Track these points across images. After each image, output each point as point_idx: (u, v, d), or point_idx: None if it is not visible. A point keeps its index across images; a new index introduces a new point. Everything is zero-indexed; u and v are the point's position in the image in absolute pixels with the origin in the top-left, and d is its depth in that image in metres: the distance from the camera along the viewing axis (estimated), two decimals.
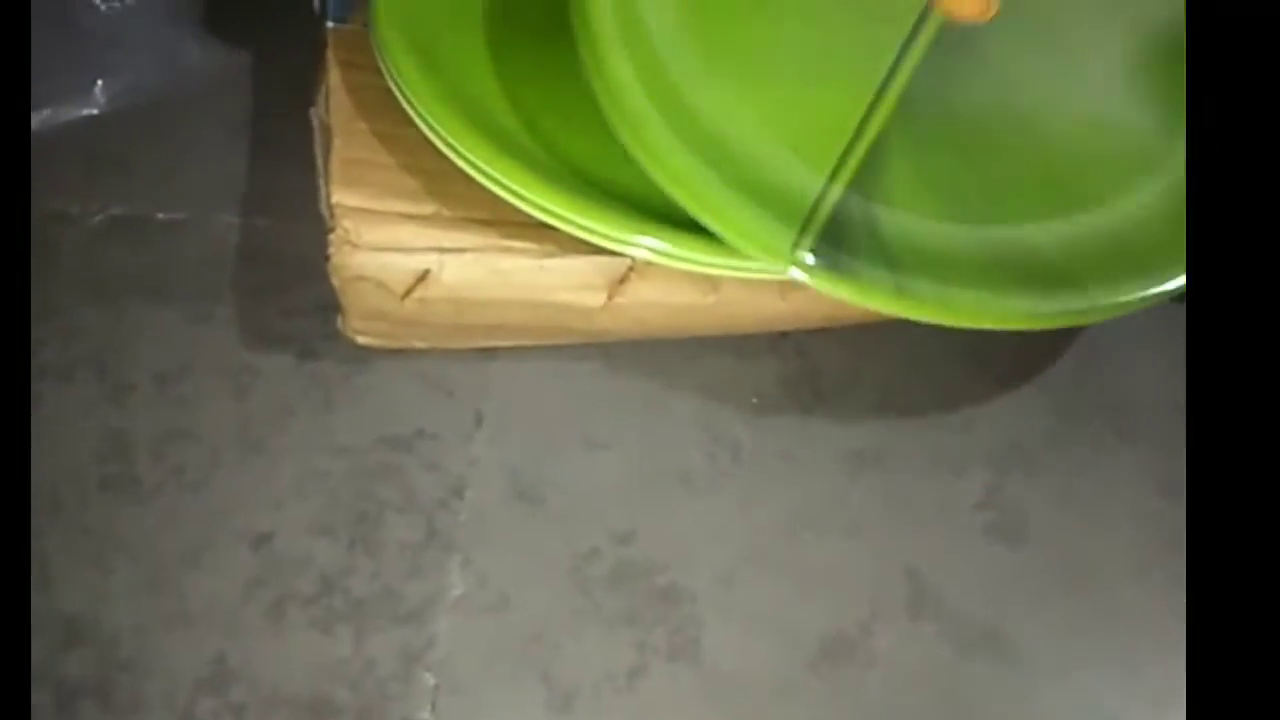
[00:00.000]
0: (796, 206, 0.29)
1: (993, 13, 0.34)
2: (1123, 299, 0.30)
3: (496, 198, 0.30)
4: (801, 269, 0.28)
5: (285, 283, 0.35)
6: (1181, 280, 0.30)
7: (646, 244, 0.29)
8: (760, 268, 0.28)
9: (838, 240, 0.28)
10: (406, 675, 0.27)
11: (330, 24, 0.35)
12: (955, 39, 0.33)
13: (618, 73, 0.30)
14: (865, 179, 0.30)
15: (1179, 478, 0.34)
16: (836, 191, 0.29)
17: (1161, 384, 0.35)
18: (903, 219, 0.30)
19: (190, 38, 0.40)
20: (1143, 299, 0.30)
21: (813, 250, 0.28)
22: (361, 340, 0.32)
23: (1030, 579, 0.31)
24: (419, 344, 0.32)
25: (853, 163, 0.30)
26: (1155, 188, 0.32)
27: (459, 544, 0.29)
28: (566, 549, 0.30)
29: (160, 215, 0.36)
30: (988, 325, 0.29)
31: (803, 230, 0.28)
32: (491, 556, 0.29)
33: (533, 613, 0.28)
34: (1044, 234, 0.31)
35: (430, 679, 0.27)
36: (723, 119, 0.30)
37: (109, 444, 0.31)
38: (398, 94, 0.31)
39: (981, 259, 0.30)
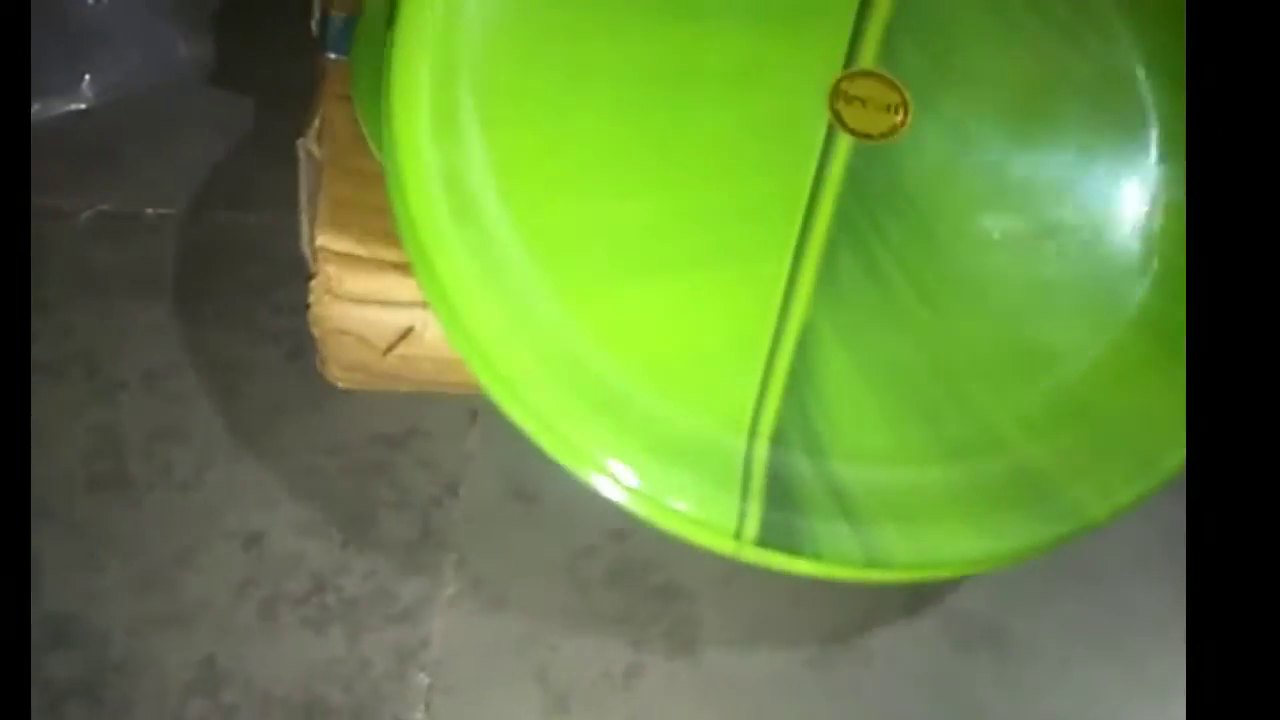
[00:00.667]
0: (728, 466, 0.24)
1: (901, 125, 0.28)
2: (1124, 496, 0.26)
3: None
4: (750, 551, 0.24)
5: (275, 279, 0.34)
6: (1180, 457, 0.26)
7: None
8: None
9: (785, 500, 0.24)
10: (401, 675, 0.27)
11: (330, 55, 0.34)
12: (870, 169, 0.27)
13: (486, 328, 0.24)
14: (799, 400, 0.25)
15: (1182, 472, 0.33)
16: (767, 431, 0.24)
17: None
18: (852, 446, 0.25)
19: (178, 33, 0.39)
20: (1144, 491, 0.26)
21: (760, 523, 0.23)
22: (342, 385, 0.31)
23: (1031, 575, 0.30)
24: (403, 389, 0.31)
25: (778, 383, 0.25)
26: (1121, 320, 0.27)
27: (453, 542, 0.29)
28: (562, 547, 0.29)
29: (150, 211, 0.36)
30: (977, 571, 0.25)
31: (744, 494, 0.23)
32: (486, 555, 0.29)
33: (528, 612, 0.28)
34: (1017, 424, 0.26)
35: (424, 679, 0.27)
36: (613, 360, 0.24)
37: (99, 442, 0.30)
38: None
39: (954, 482, 0.25)
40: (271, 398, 0.32)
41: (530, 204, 0.25)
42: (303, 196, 0.31)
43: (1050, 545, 0.25)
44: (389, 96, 0.25)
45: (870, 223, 0.27)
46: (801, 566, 0.24)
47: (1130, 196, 0.28)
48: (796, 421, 0.25)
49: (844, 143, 0.27)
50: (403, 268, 0.29)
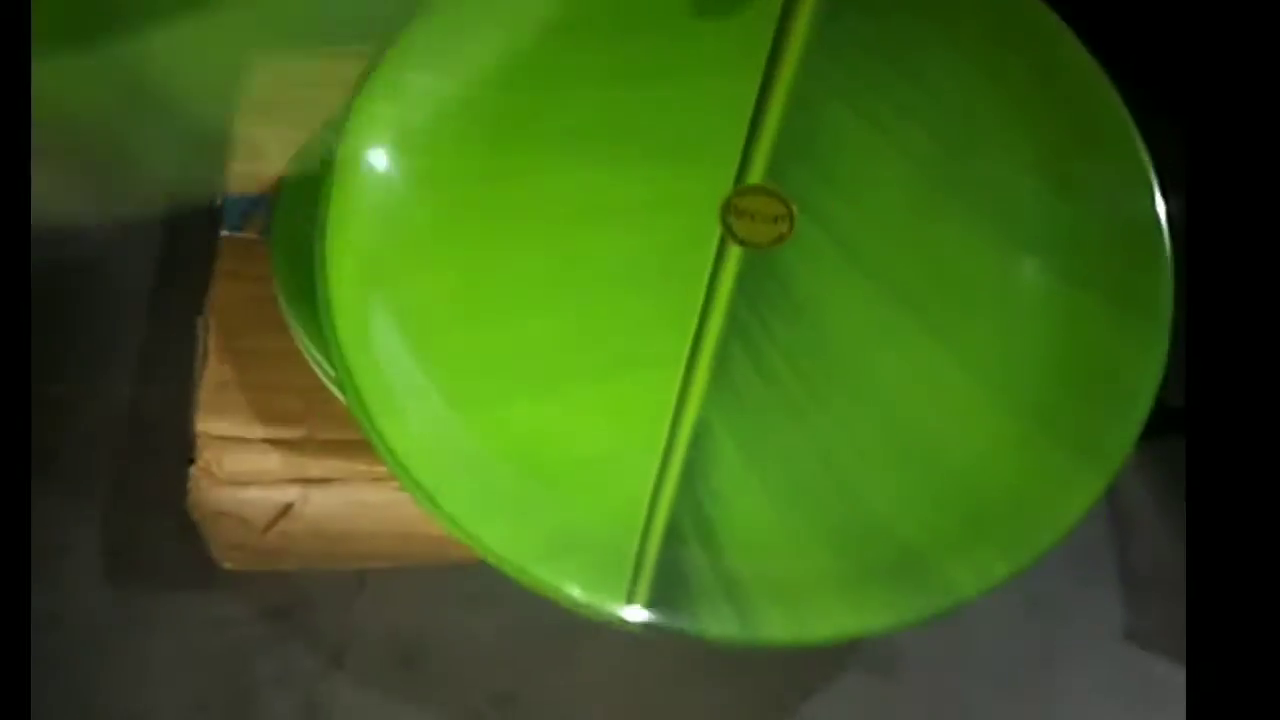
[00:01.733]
0: (620, 558, 0.25)
1: (788, 234, 0.30)
2: (997, 573, 0.27)
3: None
4: (634, 622, 0.25)
5: (169, 449, 0.35)
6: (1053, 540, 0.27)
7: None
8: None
9: (672, 580, 0.25)
10: None
11: (223, 233, 0.35)
12: (759, 275, 0.29)
13: (403, 444, 0.26)
14: (693, 494, 0.26)
15: (1044, 596, 0.35)
16: (661, 525, 0.26)
17: None
18: (743, 536, 0.26)
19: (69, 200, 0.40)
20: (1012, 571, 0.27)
21: (648, 601, 0.25)
22: (228, 565, 0.31)
23: (904, 707, 0.32)
24: (288, 567, 0.32)
25: (672, 479, 0.27)
26: (1003, 407, 0.29)
27: (336, 717, 0.29)
28: (449, 715, 0.30)
29: (50, 389, 0.36)
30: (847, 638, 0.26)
31: (635, 577, 0.25)
32: None
33: None
34: (899, 510, 0.27)
35: None
36: (514, 468, 0.26)
37: None
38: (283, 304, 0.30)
39: (837, 566, 0.26)
40: (158, 573, 0.32)
41: (440, 335, 0.28)
42: (197, 374, 0.33)
43: (922, 621, 0.27)
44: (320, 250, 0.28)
45: (760, 325, 0.29)
46: (680, 632, 0.25)
47: (1010, 296, 0.30)
48: (690, 514, 0.26)
49: (734, 253, 0.29)
50: (284, 445, 0.30)
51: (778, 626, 0.25)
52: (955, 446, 0.28)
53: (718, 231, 0.30)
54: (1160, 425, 0.40)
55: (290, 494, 0.29)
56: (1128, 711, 0.33)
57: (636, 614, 0.25)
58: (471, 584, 0.33)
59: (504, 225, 0.29)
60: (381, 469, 0.30)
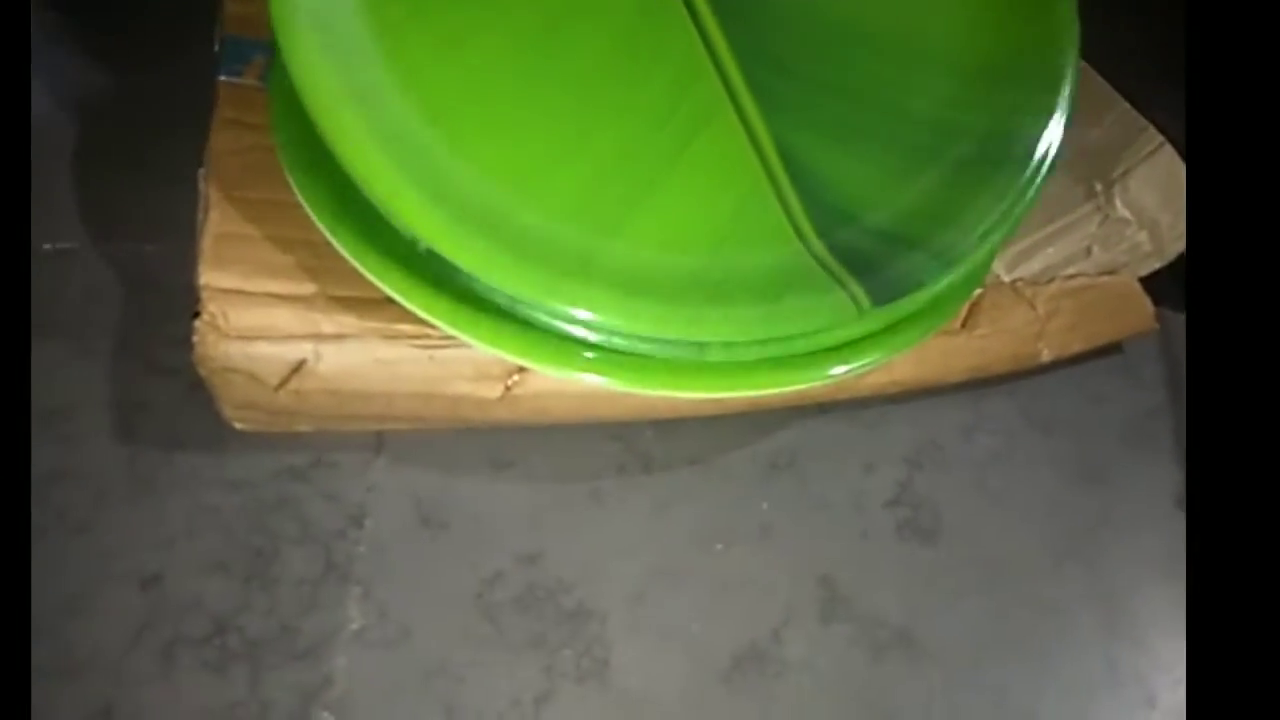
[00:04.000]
0: (815, 276, 0.27)
1: None
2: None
3: None
4: (874, 316, 0.27)
5: (174, 311, 0.33)
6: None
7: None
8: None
9: (867, 266, 0.27)
10: (304, 715, 0.26)
11: (221, 77, 0.33)
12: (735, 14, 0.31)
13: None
14: (811, 194, 0.28)
15: (1092, 465, 0.34)
16: (810, 230, 0.28)
17: (1074, 373, 0.35)
18: (868, 199, 0.29)
19: (73, 61, 0.38)
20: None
21: (867, 292, 0.27)
22: (239, 426, 0.30)
23: (943, 576, 0.31)
24: (303, 428, 0.30)
25: (790, 193, 0.28)
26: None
27: (358, 576, 0.29)
28: (470, 575, 0.29)
29: (46, 246, 0.34)
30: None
31: (843, 285, 0.27)
32: (391, 587, 0.28)
33: (435, 643, 0.28)
34: (946, 105, 0.30)
35: (329, 718, 0.26)
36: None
37: None
38: (282, 158, 0.29)
39: (943, 175, 0.29)
40: (170, 434, 0.31)
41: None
42: (199, 227, 0.31)
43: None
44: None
45: (759, 40, 0.31)
46: (918, 302, 0.28)
47: None
48: (821, 211, 0.28)
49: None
50: (293, 300, 0.28)
51: (957, 243, 0.28)
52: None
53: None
54: None
55: (303, 350, 0.28)
56: (1177, 577, 0.31)
57: (868, 306, 0.27)
58: (492, 450, 0.31)
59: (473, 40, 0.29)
60: (397, 326, 0.28)
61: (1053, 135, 0.29)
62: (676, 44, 0.30)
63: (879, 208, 0.29)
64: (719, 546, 0.30)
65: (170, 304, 0.34)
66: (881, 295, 0.27)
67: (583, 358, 0.27)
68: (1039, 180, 0.29)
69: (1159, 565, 0.32)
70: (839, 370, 0.29)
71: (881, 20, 0.31)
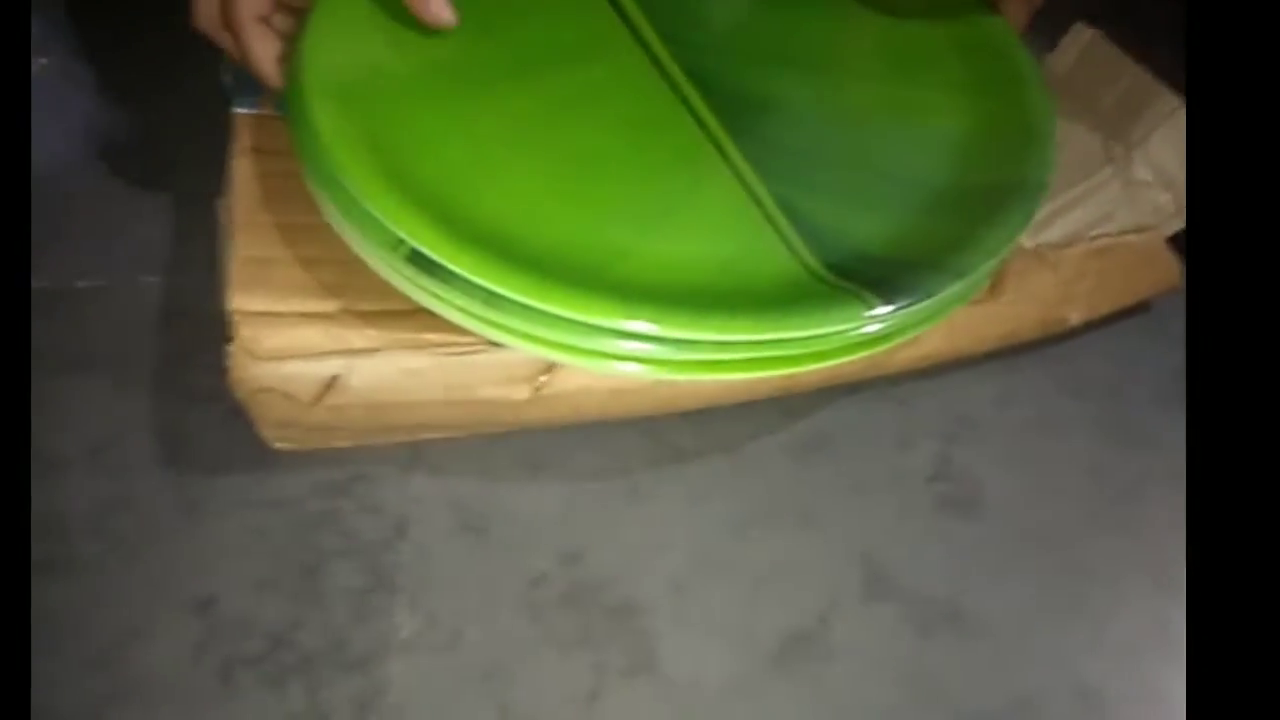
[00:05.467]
0: (836, 299, 0.28)
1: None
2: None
3: None
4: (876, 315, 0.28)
5: (211, 339, 0.34)
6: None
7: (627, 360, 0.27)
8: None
9: (881, 287, 0.28)
10: None
11: (237, 110, 0.34)
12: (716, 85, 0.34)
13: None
14: (816, 237, 0.30)
15: (1126, 426, 0.33)
16: (818, 265, 0.29)
17: (1103, 335, 0.35)
18: (864, 236, 0.30)
19: (101, 102, 0.39)
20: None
21: (884, 299, 0.27)
22: (278, 445, 0.30)
23: (986, 549, 0.30)
24: (341, 444, 0.31)
25: (796, 239, 0.30)
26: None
27: (404, 585, 0.29)
28: (514, 577, 0.29)
29: (80, 284, 0.35)
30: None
31: (865, 305, 0.27)
32: (438, 594, 0.29)
33: (485, 646, 0.28)
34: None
35: None
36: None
37: (43, 526, 0.30)
38: (306, 171, 0.30)
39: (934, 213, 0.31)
40: (213, 459, 0.32)
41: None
42: (222, 256, 0.31)
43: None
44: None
45: (755, 124, 0.33)
46: (929, 314, 0.29)
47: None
48: (823, 248, 0.29)
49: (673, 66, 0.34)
50: (321, 318, 0.29)
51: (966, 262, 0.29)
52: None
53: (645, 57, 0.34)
54: None
55: (334, 366, 0.28)
56: None
57: (878, 316, 0.27)
58: (527, 453, 0.32)
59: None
60: (424, 336, 0.29)
61: (1043, 179, 0.31)
62: (675, 127, 0.32)
63: (880, 242, 0.30)
64: (757, 534, 0.30)
65: (202, 332, 0.34)
66: (891, 300, 0.27)
67: (615, 349, 0.27)
68: (1036, 208, 0.31)
69: None
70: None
71: (870, 111, 0.34)
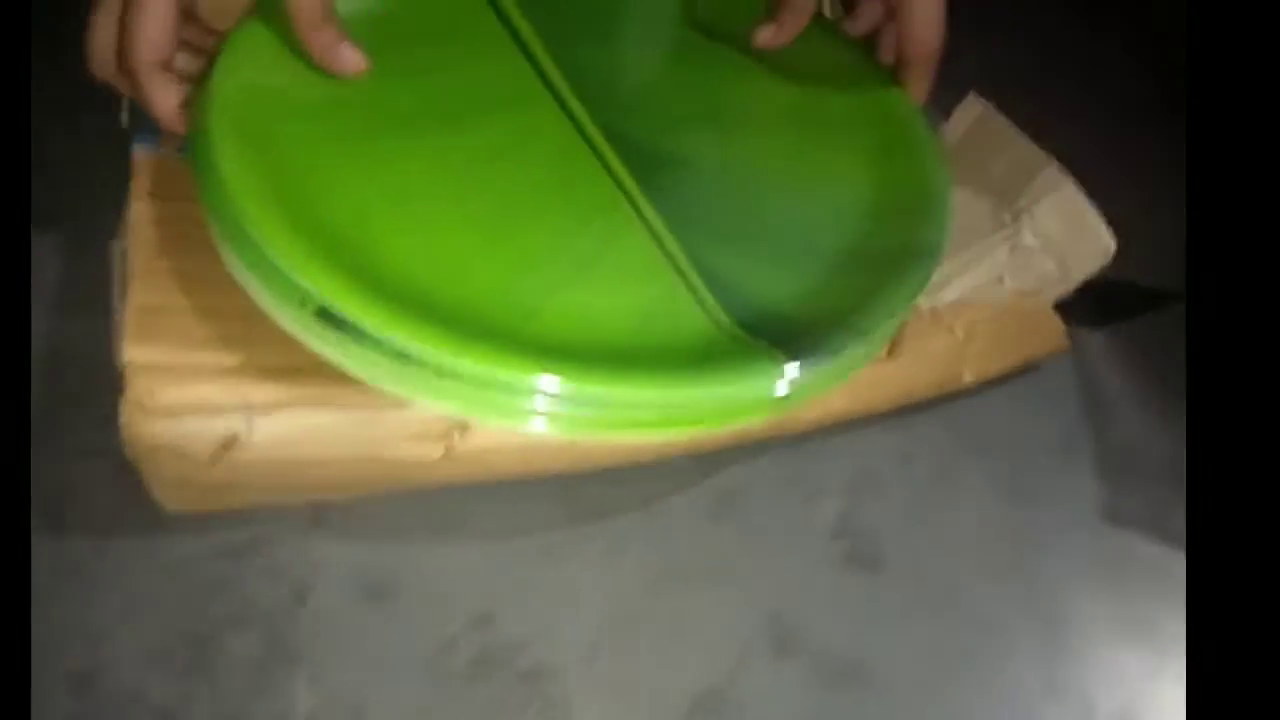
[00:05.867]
0: (745, 361, 0.28)
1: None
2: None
3: None
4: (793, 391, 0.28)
5: (101, 390, 0.32)
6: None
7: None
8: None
9: (788, 343, 0.28)
10: None
11: (136, 149, 0.32)
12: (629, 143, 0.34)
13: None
14: (730, 297, 0.30)
15: (1021, 483, 0.35)
16: (729, 324, 0.29)
17: (999, 393, 0.37)
18: (774, 294, 0.30)
19: None
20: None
21: (794, 359, 0.28)
22: (172, 507, 0.29)
23: (889, 603, 0.31)
24: (239, 505, 0.30)
25: (710, 300, 0.30)
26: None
27: (304, 655, 0.28)
28: (422, 644, 0.28)
29: None
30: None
31: (774, 364, 0.28)
32: (341, 665, 0.28)
33: None
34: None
35: None
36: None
37: None
38: (209, 219, 0.28)
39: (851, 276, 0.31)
40: (99, 519, 0.30)
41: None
42: (116, 303, 0.30)
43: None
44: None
45: (668, 178, 0.33)
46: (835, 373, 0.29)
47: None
48: (735, 304, 0.29)
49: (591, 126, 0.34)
50: (220, 372, 0.28)
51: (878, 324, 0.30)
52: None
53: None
54: (1130, 306, 0.40)
55: (234, 422, 0.27)
56: (1109, 590, 0.33)
57: (788, 374, 0.27)
58: (436, 511, 0.31)
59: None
60: (330, 391, 0.28)
61: (939, 241, 0.32)
62: (590, 182, 0.32)
63: (789, 299, 0.30)
64: (671, 591, 0.31)
65: (91, 382, 0.33)
66: (800, 359, 0.28)
67: (528, 406, 0.27)
68: (933, 269, 0.32)
69: (1090, 578, 0.33)
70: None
71: (777, 172, 0.35)
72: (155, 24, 0.28)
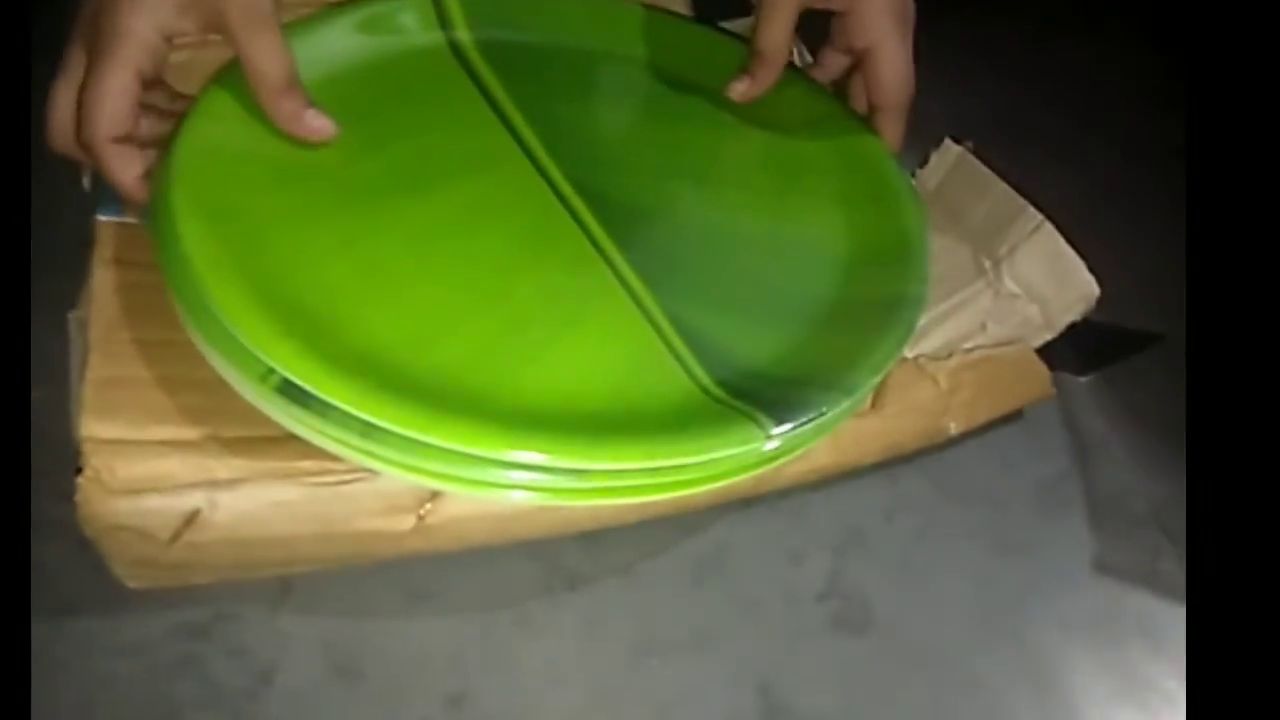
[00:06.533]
0: (729, 418, 0.27)
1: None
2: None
3: None
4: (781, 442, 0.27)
5: (59, 462, 0.31)
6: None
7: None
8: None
9: (774, 405, 0.28)
10: None
11: (99, 216, 0.32)
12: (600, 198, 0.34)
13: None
14: (711, 356, 0.29)
15: (1010, 535, 0.34)
16: (712, 385, 0.29)
17: (982, 443, 0.36)
18: (754, 352, 0.30)
19: None
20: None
21: (776, 429, 0.27)
22: (132, 584, 0.28)
23: (877, 667, 0.30)
24: (202, 581, 0.29)
25: (690, 358, 0.30)
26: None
27: None
28: None
29: None
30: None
31: (758, 424, 0.27)
32: None
33: None
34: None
35: None
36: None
37: None
38: (171, 289, 0.28)
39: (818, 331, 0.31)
40: (58, 598, 0.29)
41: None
42: (73, 376, 0.29)
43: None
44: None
45: (642, 237, 0.33)
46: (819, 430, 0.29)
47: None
48: (715, 363, 0.29)
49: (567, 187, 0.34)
50: (182, 446, 0.27)
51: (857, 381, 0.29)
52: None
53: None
54: (1115, 348, 0.39)
55: (195, 499, 0.26)
56: (1101, 646, 0.32)
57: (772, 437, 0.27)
58: (407, 582, 0.30)
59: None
60: (296, 464, 0.27)
61: (921, 293, 0.32)
62: (564, 241, 0.32)
63: (769, 358, 0.30)
64: (654, 661, 0.30)
65: (54, 454, 0.31)
66: (784, 420, 0.27)
67: (505, 479, 0.26)
68: (916, 322, 0.32)
69: (1082, 631, 0.32)
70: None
71: (753, 225, 0.35)
72: (114, 99, 0.27)
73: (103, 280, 0.30)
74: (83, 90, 0.28)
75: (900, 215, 0.35)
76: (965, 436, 0.35)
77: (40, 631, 0.28)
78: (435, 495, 0.28)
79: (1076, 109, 0.49)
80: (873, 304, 0.32)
